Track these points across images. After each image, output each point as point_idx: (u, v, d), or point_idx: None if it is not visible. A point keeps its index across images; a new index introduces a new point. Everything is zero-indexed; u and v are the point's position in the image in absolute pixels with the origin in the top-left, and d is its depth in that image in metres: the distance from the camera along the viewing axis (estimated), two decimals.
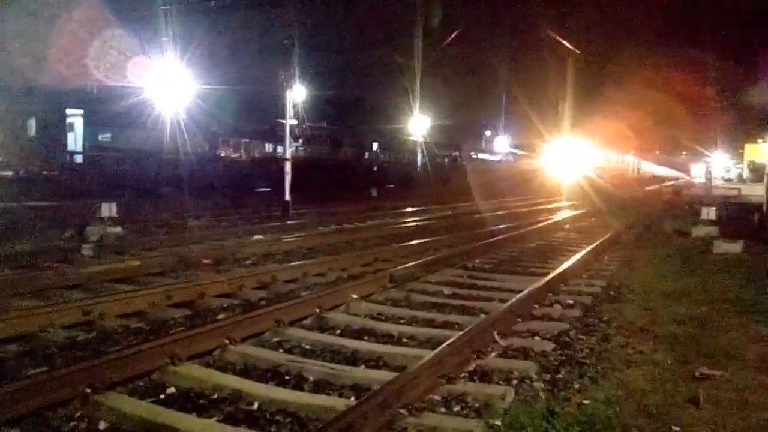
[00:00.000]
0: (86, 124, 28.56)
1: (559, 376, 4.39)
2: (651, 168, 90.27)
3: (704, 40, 34.42)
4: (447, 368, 4.17)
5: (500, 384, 4.15)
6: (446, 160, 49.32)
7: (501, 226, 13.88)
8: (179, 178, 18.79)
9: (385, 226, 14.42)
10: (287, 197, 16.02)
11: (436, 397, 3.87)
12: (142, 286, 6.88)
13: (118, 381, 3.92)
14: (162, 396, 3.91)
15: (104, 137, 30.73)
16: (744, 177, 46.91)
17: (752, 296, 7.17)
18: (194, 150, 24.58)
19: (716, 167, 47.21)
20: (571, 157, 35.72)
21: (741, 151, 49.85)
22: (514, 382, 4.20)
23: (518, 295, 6.39)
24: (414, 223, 15.24)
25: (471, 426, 3.43)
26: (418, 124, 37.26)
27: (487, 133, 56.66)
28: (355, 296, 6.40)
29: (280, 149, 28.87)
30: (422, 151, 36.66)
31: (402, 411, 3.51)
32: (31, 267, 7.80)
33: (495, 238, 11.68)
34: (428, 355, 4.23)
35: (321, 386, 4.14)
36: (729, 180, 49.90)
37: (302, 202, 16.93)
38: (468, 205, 21.45)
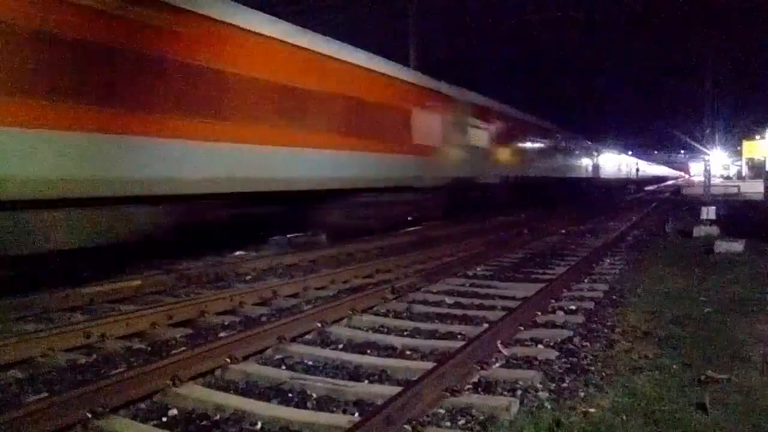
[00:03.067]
0: None
1: (564, 384, 4.35)
2: (649, 168, 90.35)
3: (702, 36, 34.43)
4: (451, 380, 4.13)
5: (505, 395, 4.12)
6: None
7: None
8: None
9: None
10: None
11: (441, 411, 3.83)
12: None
13: (120, 404, 3.90)
14: (164, 418, 3.87)
15: None
16: (743, 174, 46.95)
17: (756, 295, 7.13)
18: None
19: (715, 165, 47.18)
20: None
21: (739, 148, 49.87)
22: (519, 392, 4.17)
23: (520, 303, 6.38)
24: None
25: None
26: None
27: None
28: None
29: None
30: None
31: (406, 426, 3.47)
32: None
33: None
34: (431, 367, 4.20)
35: (324, 403, 4.10)
36: (728, 178, 49.94)
37: None
38: None
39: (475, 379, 4.38)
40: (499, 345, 5.06)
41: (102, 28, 7.84)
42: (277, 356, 5.10)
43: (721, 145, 50.95)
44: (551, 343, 5.33)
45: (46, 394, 4.10)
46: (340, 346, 5.46)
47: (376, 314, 6.54)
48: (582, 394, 4.15)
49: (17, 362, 4.87)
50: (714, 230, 13.41)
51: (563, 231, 15.82)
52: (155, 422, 3.80)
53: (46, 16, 7.18)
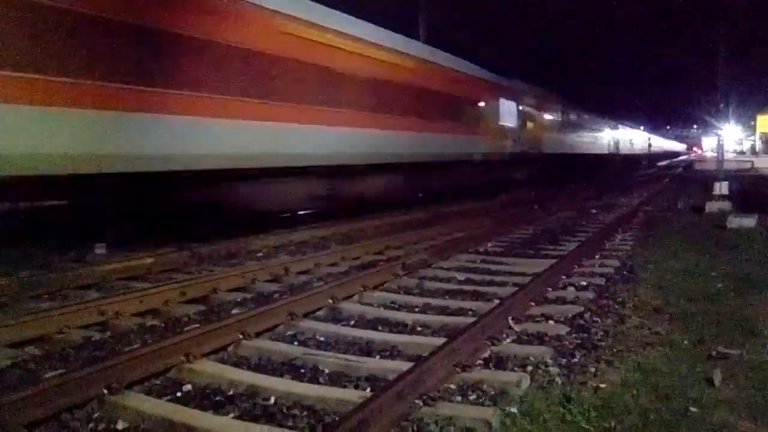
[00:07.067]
0: None
1: (575, 360, 4.37)
2: (662, 142, 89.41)
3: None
4: (462, 356, 4.15)
5: (515, 370, 4.14)
6: None
7: None
8: None
9: None
10: None
11: (452, 386, 3.86)
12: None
13: (135, 380, 3.95)
14: (179, 394, 3.92)
15: None
16: (757, 149, 46.36)
17: None
18: None
19: (728, 140, 46.58)
20: None
21: (753, 123, 49.20)
22: (530, 368, 4.18)
23: (531, 279, 6.38)
24: None
25: (487, 414, 3.41)
26: None
27: None
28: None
29: None
30: None
31: (418, 401, 3.50)
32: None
33: None
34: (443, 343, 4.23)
35: (336, 378, 4.14)
36: (741, 153, 49.34)
37: None
38: None
39: (486, 355, 4.40)
40: (509, 321, 5.07)
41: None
42: (289, 332, 5.14)
43: (735, 120, 50.37)
44: (562, 319, 5.34)
45: (62, 371, 4.15)
46: (352, 322, 5.50)
47: (387, 290, 6.57)
48: (593, 370, 4.16)
49: (34, 339, 4.94)
50: (727, 206, 13.31)
51: (574, 207, 15.74)
52: (169, 398, 3.85)
53: None
